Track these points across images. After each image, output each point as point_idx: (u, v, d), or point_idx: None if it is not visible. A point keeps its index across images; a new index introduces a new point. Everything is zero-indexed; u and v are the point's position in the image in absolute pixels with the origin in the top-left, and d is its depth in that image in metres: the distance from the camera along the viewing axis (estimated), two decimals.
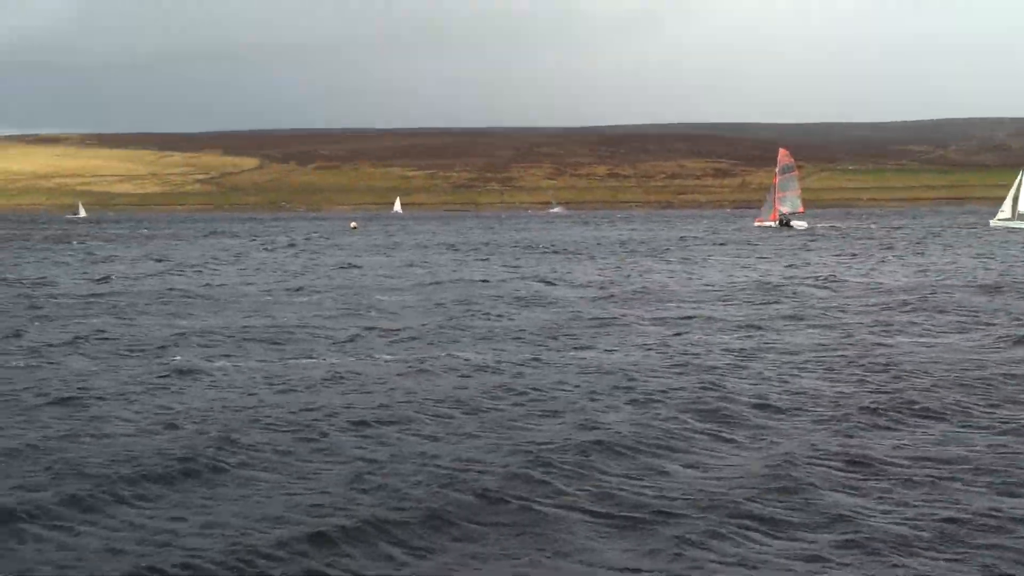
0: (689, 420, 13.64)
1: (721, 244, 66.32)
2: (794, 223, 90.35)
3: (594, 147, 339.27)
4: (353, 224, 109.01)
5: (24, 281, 38.58)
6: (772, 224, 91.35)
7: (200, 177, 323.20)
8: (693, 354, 19.38)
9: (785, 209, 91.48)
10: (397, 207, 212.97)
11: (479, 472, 11.03)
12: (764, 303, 28.89)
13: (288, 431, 13.02)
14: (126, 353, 19.76)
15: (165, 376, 17.06)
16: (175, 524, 9.51)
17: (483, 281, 37.44)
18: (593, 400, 15.15)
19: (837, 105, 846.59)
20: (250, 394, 15.52)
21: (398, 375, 17.48)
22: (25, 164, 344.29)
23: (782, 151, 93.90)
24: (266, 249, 64.09)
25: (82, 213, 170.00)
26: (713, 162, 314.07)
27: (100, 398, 15.15)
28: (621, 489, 10.51)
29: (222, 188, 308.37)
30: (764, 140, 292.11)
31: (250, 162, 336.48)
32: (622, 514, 9.76)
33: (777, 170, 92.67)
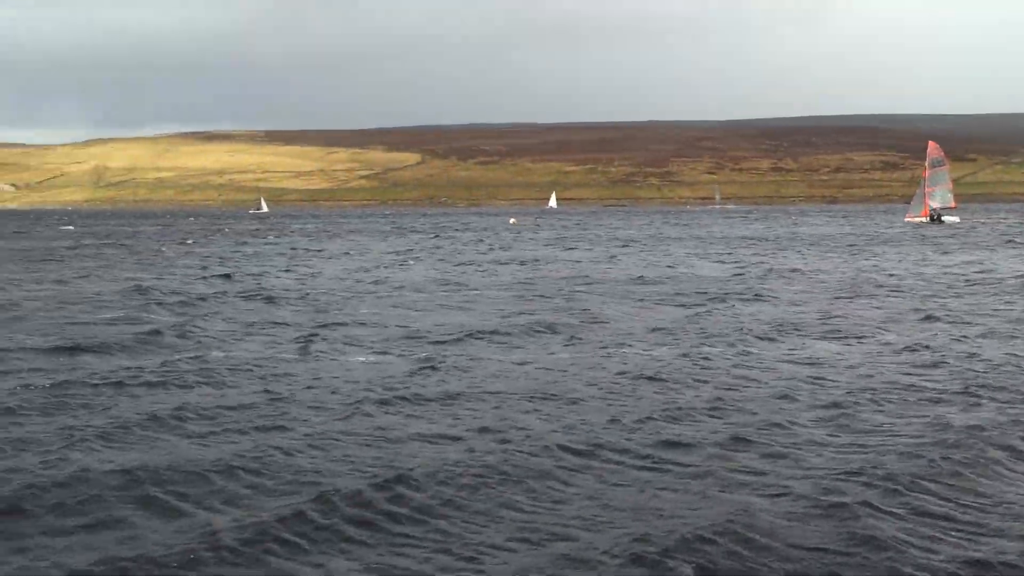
0: None
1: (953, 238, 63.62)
2: (946, 218, 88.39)
3: (756, 140, 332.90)
4: (512, 220, 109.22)
5: (281, 274, 39.52)
6: (923, 220, 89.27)
7: (364, 173, 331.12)
8: None
9: (935, 204, 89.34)
10: (552, 202, 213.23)
11: None
12: None
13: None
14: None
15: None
16: None
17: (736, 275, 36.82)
18: None
19: (1015, 96, 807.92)
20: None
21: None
22: (199, 161, 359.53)
23: (931, 144, 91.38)
24: (462, 244, 64.73)
25: (264, 208, 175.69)
26: (881, 154, 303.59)
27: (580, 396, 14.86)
28: None
29: (385, 184, 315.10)
30: (935, 132, 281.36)
31: (412, 158, 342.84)
32: None
33: (927, 164, 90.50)
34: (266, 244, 65.36)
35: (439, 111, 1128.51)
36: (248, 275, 38.19)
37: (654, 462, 11.19)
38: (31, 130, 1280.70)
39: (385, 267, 42.64)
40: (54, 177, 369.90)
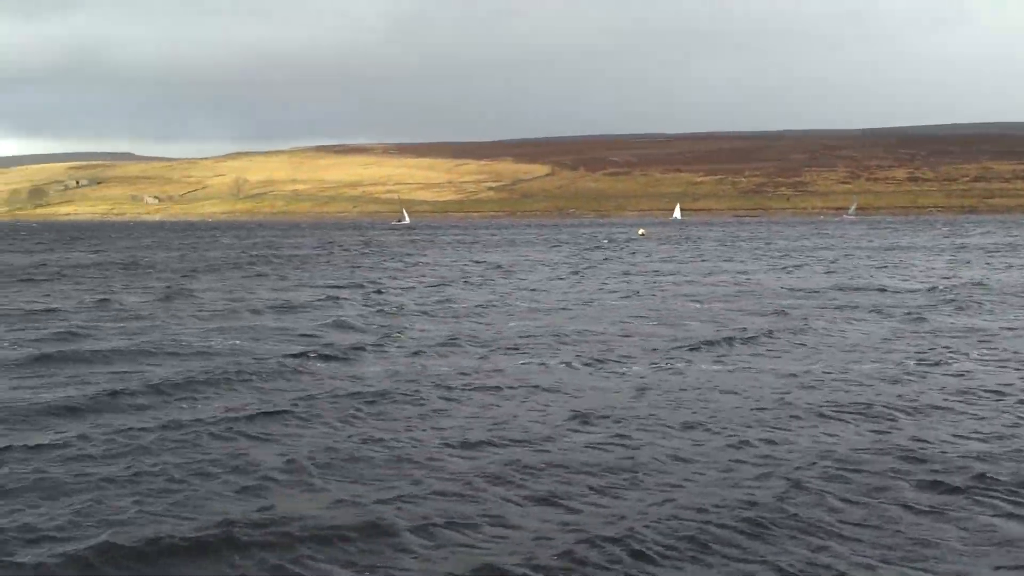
0: None
1: None
2: None
3: (892, 149, 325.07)
4: (641, 231, 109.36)
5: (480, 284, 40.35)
6: None
7: (493, 184, 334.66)
8: None
9: None
10: (676, 213, 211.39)
11: None
12: None
13: None
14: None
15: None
16: None
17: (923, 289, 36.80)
18: None
19: None
20: None
21: None
22: (334, 173, 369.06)
23: None
24: (629, 254, 65.35)
25: (406, 219, 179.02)
26: (1022, 163, 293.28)
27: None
28: None
29: (513, 195, 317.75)
30: None
31: (541, 169, 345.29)
32: None
33: None
34: (448, 256, 66.86)
35: (568, 122, 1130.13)
36: (475, 285, 39.32)
37: None
38: (176, 144, 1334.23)
39: (577, 279, 42.67)
40: (196, 190, 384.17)
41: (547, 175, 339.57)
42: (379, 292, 35.91)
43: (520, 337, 22.80)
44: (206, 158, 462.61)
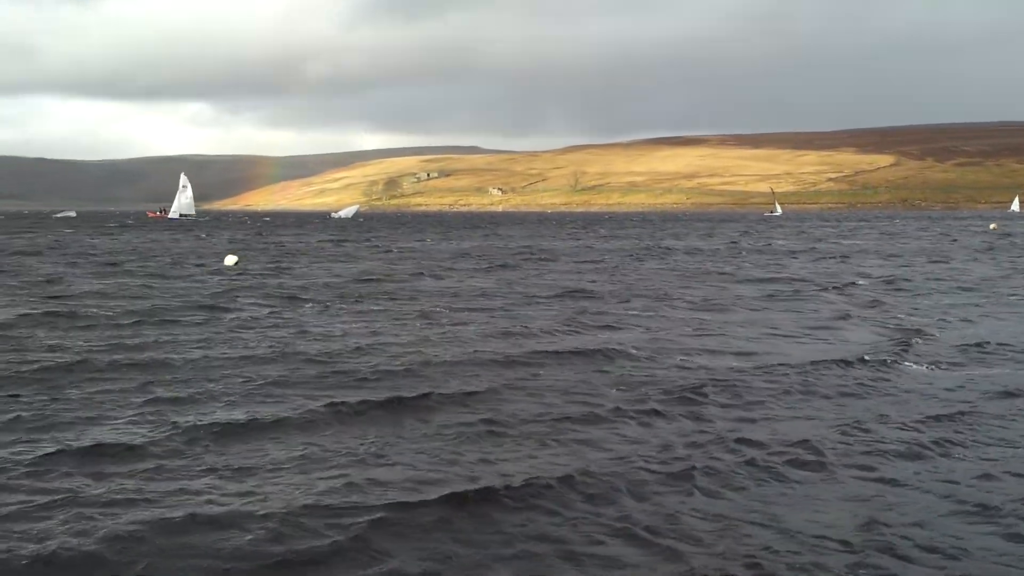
0: None
1: None
2: None
3: None
4: (992, 225, 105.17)
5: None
6: None
7: (832, 176, 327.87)
8: None
9: None
10: (1015, 206, 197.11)
11: None
12: None
13: None
14: None
15: None
16: None
17: None
18: None
19: None
20: None
21: None
22: (671, 165, 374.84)
23: None
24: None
25: (778, 211, 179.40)
26: None
27: None
28: None
29: (853, 186, 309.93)
30: None
31: (885, 159, 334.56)
32: None
33: None
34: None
35: (914, 110, 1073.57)
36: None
37: None
38: (523, 139, 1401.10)
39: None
40: (536, 182, 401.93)
41: (891, 165, 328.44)
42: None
43: None
44: (547, 151, 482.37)
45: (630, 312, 22.45)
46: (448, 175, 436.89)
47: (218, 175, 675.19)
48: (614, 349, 16.13)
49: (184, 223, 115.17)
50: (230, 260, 40.07)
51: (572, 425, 10.90)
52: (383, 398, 11.94)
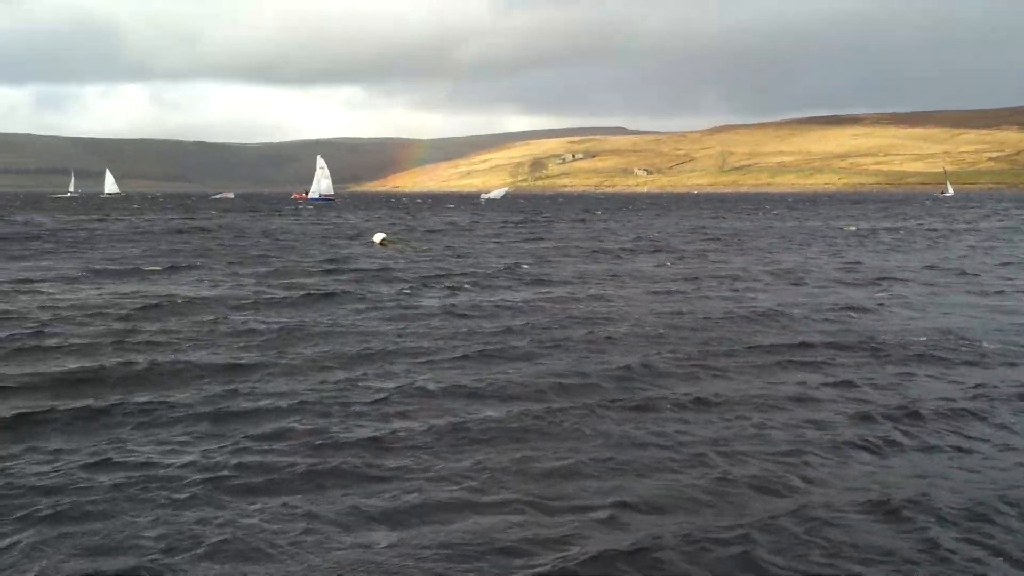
0: None
1: None
2: None
3: None
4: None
5: None
6: None
7: (993, 155, 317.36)
8: None
9: None
10: None
11: None
12: None
13: None
14: None
15: None
16: None
17: None
18: None
19: None
20: None
21: None
22: (823, 145, 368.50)
23: None
24: None
25: (949, 191, 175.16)
26: None
27: None
28: None
29: (1016, 166, 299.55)
30: None
31: None
32: None
33: None
34: None
35: None
36: None
37: None
38: (670, 119, 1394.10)
39: None
40: (682, 163, 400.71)
41: None
42: None
43: None
44: (693, 131, 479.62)
45: None
46: (594, 156, 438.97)
47: (368, 157, 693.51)
48: None
49: (332, 204, 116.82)
50: (378, 237, 41.62)
51: None
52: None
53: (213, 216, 74.64)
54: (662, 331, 16.29)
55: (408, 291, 22.02)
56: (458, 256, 34.04)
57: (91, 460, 8.87)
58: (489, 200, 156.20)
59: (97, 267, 27.74)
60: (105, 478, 8.40)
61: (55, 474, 8.51)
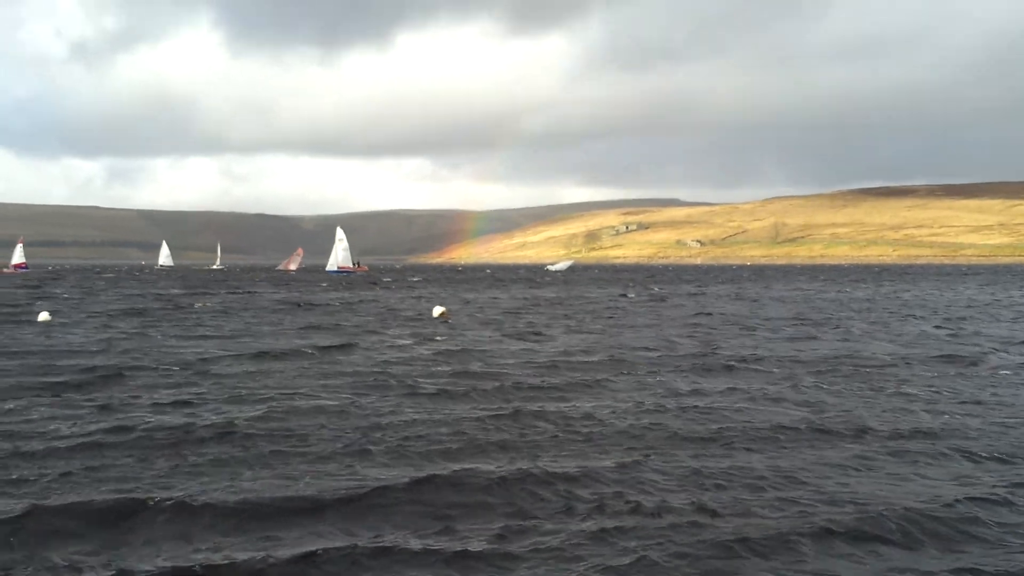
0: None
1: None
2: None
3: None
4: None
5: None
6: None
7: None
8: None
9: None
10: None
11: None
12: None
13: None
14: None
15: None
16: None
17: None
18: None
19: None
20: None
21: None
22: (876, 216, 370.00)
23: None
24: None
25: None
26: None
27: None
28: None
29: None
30: None
31: None
32: None
33: None
34: None
35: None
36: None
37: None
38: (727, 191, 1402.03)
39: None
40: (735, 234, 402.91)
41: None
42: None
43: None
44: (747, 203, 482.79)
45: None
46: (647, 228, 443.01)
47: (424, 229, 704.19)
48: None
49: (350, 279, 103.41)
50: (437, 311, 40.33)
51: None
52: None
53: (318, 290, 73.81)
54: None
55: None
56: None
57: None
58: (555, 271, 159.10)
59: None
60: None
61: None
